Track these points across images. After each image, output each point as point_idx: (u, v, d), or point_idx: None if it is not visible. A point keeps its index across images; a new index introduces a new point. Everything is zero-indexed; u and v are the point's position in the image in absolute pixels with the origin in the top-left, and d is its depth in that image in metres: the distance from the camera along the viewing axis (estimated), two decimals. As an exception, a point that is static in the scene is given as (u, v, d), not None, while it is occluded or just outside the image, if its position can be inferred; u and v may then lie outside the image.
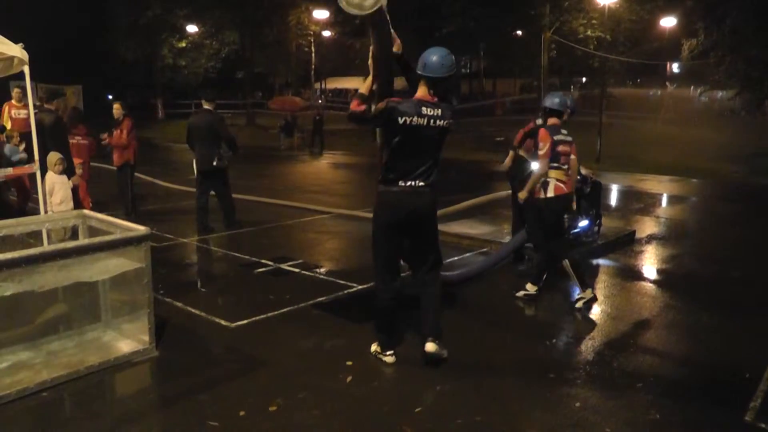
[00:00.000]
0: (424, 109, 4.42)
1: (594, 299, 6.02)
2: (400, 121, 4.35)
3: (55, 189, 7.05)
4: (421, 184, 4.46)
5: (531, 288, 6.20)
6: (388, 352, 4.70)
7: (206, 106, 8.96)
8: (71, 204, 7.15)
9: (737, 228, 10.27)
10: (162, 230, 8.49)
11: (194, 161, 8.84)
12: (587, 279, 6.21)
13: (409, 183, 4.44)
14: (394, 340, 4.84)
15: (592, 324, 5.70)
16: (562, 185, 5.95)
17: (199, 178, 8.83)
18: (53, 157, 7.18)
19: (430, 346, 4.56)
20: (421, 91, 4.52)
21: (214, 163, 8.61)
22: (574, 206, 7.15)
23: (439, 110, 4.46)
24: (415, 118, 4.37)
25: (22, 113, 9.72)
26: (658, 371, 4.64)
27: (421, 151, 4.46)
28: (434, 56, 4.47)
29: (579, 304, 5.96)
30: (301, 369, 4.54)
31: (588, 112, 23.80)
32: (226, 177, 8.98)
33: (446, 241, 8.16)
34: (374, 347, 4.80)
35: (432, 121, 4.43)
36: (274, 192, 10.29)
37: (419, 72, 4.50)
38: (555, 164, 5.91)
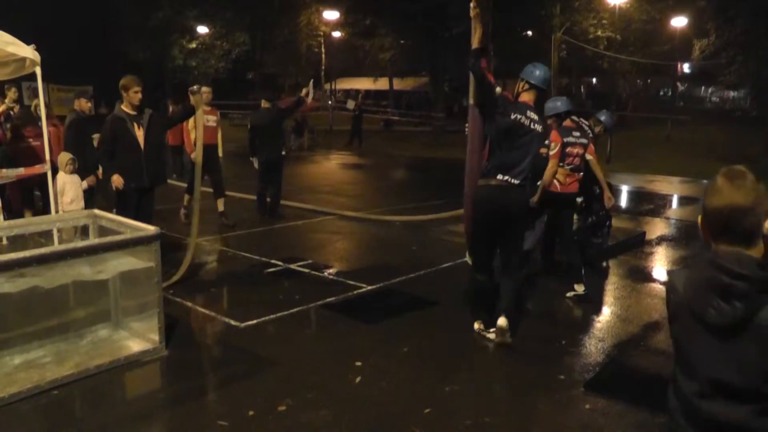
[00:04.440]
0: (528, 111, 4.92)
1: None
2: (512, 116, 4.84)
3: (66, 188, 7.10)
4: (515, 182, 4.89)
5: (579, 288, 6.27)
6: (491, 330, 5.08)
7: (266, 105, 9.92)
8: (82, 203, 7.19)
9: None
10: (172, 230, 8.52)
11: (256, 155, 9.75)
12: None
13: (506, 178, 4.87)
14: (494, 319, 5.06)
15: (603, 326, 5.68)
16: (556, 183, 6.25)
17: (263, 169, 9.74)
18: (64, 157, 7.23)
19: (501, 321, 4.98)
20: (528, 97, 5.04)
21: (283, 153, 9.95)
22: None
23: (537, 116, 4.99)
24: (522, 118, 4.87)
25: (211, 120, 9.31)
26: (668, 373, 4.61)
27: (519, 150, 4.89)
28: (539, 71, 5.04)
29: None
30: (310, 369, 4.55)
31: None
32: (283, 167, 10.11)
33: (455, 241, 8.15)
34: (477, 325, 5.25)
35: (532, 123, 4.92)
36: (285, 192, 10.31)
37: (530, 81, 5.02)
38: (560, 164, 6.21)
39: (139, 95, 6.24)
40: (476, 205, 5.12)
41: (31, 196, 8.69)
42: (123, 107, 6.27)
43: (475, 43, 4.92)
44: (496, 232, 5.08)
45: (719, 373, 1.71)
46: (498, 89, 5.00)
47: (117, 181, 6.19)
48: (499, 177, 4.89)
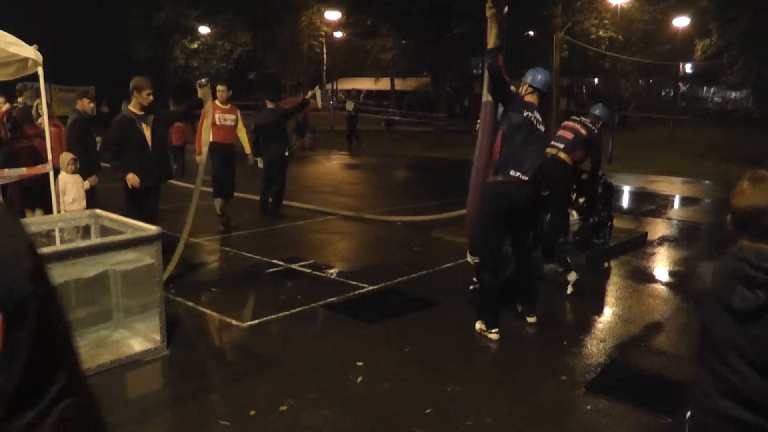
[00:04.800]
0: (535, 111, 5.23)
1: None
2: (524, 113, 5.13)
3: (68, 188, 7.11)
4: (525, 178, 5.11)
5: (571, 277, 6.43)
6: (493, 330, 5.16)
7: (270, 106, 10.08)
8: (84, 203, 7.20)
9: None
10: (173, 230, 8.52)
11: (260, 155, 9.82)
12: None
13: (517, 174, 5.08)
14: (498, 318, 5.25)
15: (604, 326, 5.67)
16: None
17: (267, 169, 9.87)
18: (65, 157, 7.24)
19: (532, 320, 5.48)
20: (532, 98, 5.30)
21: (287, 153, 10.01)
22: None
23: (540, 116, 5.25)
24: (532, 116, 5.16)
25: (229, 119, 9.17)
26: (670, 374, 4.61)
27: (529, 146, 5.16)
28: (540, 75, 5.37)
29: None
30: (311, 369, 4.55)
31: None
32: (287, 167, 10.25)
33: (456, 241, 8.15)
34: (479, 325, 5.24)
35: (538, 123, 5.22)
36: (286, 192, 10.31)
37: (533, 85, 5.32)
38: None
39: (151, 97, 6.37)
40: (489, 201, 5.26)
41: (33, 197, 8.68)
42: (131, 107, 6.36)
43: (491, 43, 5.03)
44: (506, 228, 5.29)
45: (744, 353, 1.93)
46: (512, 87, 5.20)
47: (133, 179, 6.26)
48: (512, 173, 5.08)
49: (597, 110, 7.54)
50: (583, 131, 7.14)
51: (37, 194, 8.57)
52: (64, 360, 0.89)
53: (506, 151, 5.13)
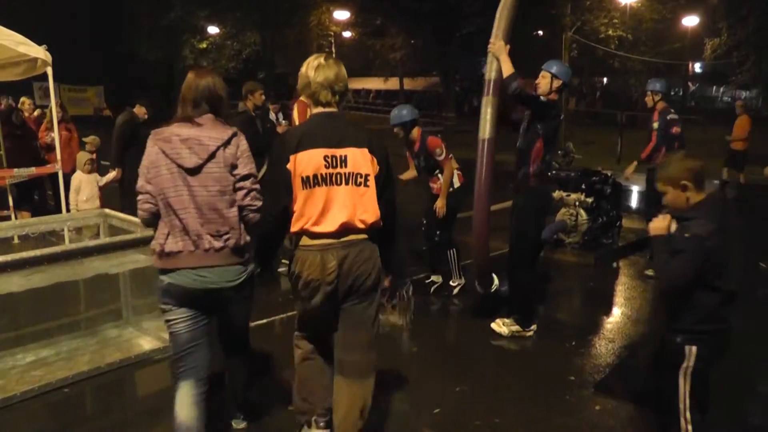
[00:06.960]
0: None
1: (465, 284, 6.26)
2: (561, 116, 5.13)
3: (82, 186, 7.16)
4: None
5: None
6: (531, 328, 5.23)
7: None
8: (97, 202, 7.24)
9: (757, 230, 10.12)
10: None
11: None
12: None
13: (551, 174, 5.20)
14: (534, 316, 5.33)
15: (613, 326, 5.65)
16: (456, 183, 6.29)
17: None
18: (82, 157, 7.33)
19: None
20: (556, 95, 5.03)
21: None
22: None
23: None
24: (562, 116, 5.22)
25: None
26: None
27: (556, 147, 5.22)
28: (562, 67, 5.13)
29: (456, 291, 6.25)
30: (319, 368, 4.54)
31: (610, 112, 23.56)
32: None
33: (465, 241, 8.13)
34: (510, 328, 5.21)
35: (561, 120, 5.21)
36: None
37: (558, 75, 5.00)
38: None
39: (263, 97, 6.83)
40: (536, 204, 5.09)
41: (32, 197, 8.67)
42: (249, 106, 6.64)
43: (506, 71, 4.71)
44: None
45: None
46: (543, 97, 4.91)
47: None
48: (549, 174, 5.19)
49: (658, 84, 7.35)
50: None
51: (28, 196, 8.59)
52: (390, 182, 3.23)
53: (547, 155, 4.97)
